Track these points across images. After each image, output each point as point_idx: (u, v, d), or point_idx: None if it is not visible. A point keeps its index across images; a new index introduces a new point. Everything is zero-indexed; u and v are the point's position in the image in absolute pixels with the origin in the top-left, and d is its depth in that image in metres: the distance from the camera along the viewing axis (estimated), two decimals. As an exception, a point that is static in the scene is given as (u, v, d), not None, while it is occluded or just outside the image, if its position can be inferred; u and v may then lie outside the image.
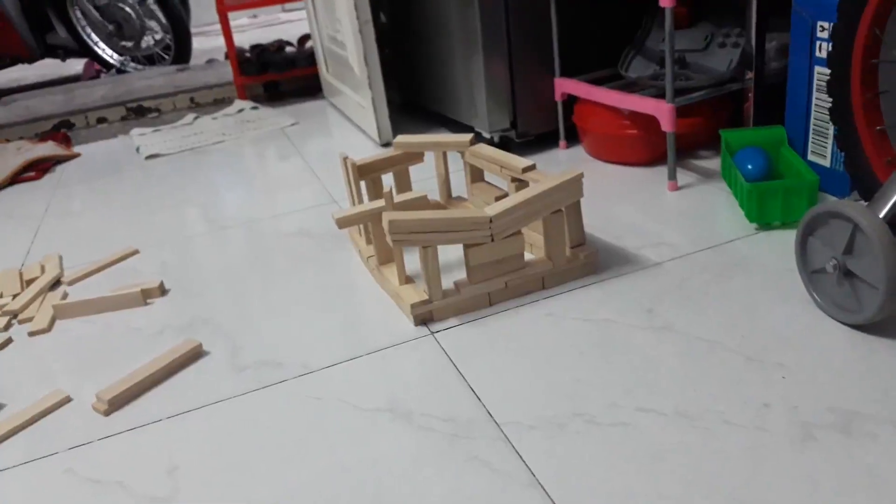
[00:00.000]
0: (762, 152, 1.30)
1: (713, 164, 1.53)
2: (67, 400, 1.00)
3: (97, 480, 0.84)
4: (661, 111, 1.36)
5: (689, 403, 0.83)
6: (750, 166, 1.28)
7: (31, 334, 1.20)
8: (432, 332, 1.04)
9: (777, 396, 0.82)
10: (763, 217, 1.19)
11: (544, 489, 0.73)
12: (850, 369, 0.84)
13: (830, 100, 1.13)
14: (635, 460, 0.75)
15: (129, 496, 0.80)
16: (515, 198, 1.06)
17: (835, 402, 0.80)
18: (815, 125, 1.28)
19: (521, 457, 0.78)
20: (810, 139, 1.30)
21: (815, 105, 1.27)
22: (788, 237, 1.17)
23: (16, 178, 2.17)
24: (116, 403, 0.97)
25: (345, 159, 1.31)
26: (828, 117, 1.25)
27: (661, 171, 1.53)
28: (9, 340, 1.19)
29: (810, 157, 1.31)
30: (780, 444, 0.75)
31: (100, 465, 0.86)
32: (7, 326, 1.23)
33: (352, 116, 2.30)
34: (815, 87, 1.26)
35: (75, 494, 0.82)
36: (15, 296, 1.32)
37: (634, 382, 0.87)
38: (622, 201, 1.40)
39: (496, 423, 0.84)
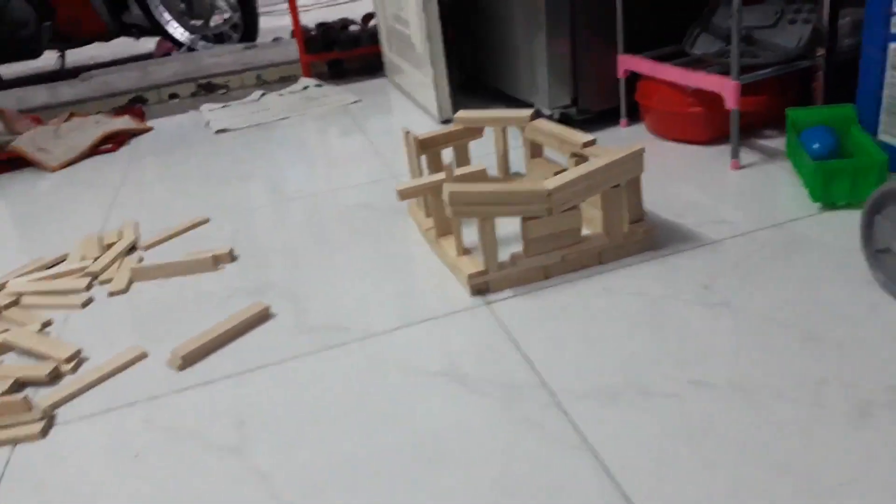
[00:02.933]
0: (830, 131, 1.27)
1: (778, 143, 1.50)
2: (144, 355, 1.07)
3: (172, 429, 0.90)
4: (726, 88, 1.35)
5: (743, 378, 0.83)
6: (816, 145, 1.26)
7: (111, 294, 1.27)
8: (488, 303, 1.07)
9: (834, 373, 0.81)
10: (828, 196, 1.17)
11: (595, 453, 0.75)
12: (912, 349, 0.83)
13: (904, 77, 1.10)
14: (686, 430, 0.76)
15: (202, 445, 0.86)
16: (575, 171, 1.07)
17: (894, 381, 0.79)
18: (888, 103, 1.25)
19: (573, 422, 0.80)
20: (882, 117, 1.27)
21: (890, 83, 1.24)
22: (852, 217, 1.14)
23: (95, 150, 2.28)
24: (190, 359, 1.03)
25: (407, 133, 1.34)
26: (901, 95, 1.21)
27: (724, 150, 1.51)
28: (90, 300, 1.27)
29: (881, 136, 1.28)
30: (836, 420, 0.75)
31: (175, 415, 0.92)
32: (89, 287, 1.31)
33: (413, 94, 2.33)
34: (889, 63, 1.23)
35: (153, 441, 0.88)
36: (96, 259, 1.40)
37: (688, 356, 0.88)
38: (683, 179, 1.40)
39: (550, 389, 0.86)
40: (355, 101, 2.47)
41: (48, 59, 4.17)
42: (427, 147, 1.35)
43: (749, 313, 0.95)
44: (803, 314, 0.93)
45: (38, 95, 3.04)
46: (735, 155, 1.40)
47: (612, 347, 0.92)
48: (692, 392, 0.82)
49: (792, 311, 0.94)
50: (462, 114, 1.38)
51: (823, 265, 1.03)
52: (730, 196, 1.29)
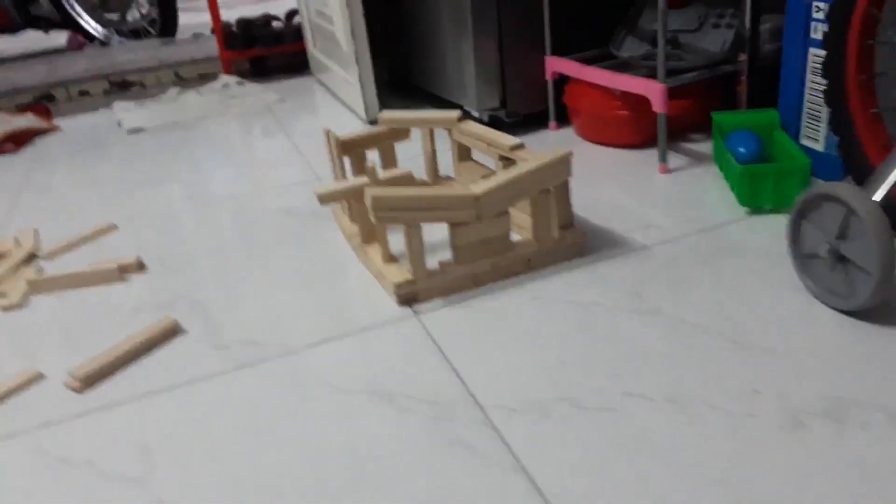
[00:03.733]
0: (754, 135, 1.28)
1: (704, 147, 1.51)
2: (39, 377, 0.97)
3: (68, 459, 0.81)
4: (653, 91, 1.34)
5: (677, 388, 0.81)
6: (742, 149, 1.26)
7: (4, 309, 1.16)
8: (416, 313, 1.02)
9: (767, 383, 0.80)
10: (755, 201, 1.18)
11: (528, 473, 0.71)
12: (841, 356, 0.83)
13: (825, 82, 1.11)
14: (621, 445, 0.74)
15: (100, 476, 0.78)
16: (503, 176, 1.03)
17: (825, 390, 0.78)
18: (808, 108, 1.26)
19: (504, 441, 0.76)
20: (803, 123, 1.28)
21: (810, 88, 1.25)
22: (780, 221, 1.15)
23: (-7, 151, 2.12)
24: (90, 381, 0.94)
25: (328, 133, 1.28)
26: (821, 100, 1.23)
27: (652, 154, 1.50)
28: (-20, 316, 1.16)
29: (803, 140, 1.29)
30: (769, 431, 0.73)
31: (71, 444, 0.84)
32: (-21, 301, 1.20)
33: (339, 93, 2.26)
34: (809, 69, 1.24)
35: (44, 474, 0.79)
36: (-12, 270, 1.29)
37: (621, 367, 0.86)
38: (611, 183, 1.38)
39: (480, 405, 0.82)
40: (279, 100, 2.38)
41: (-54, 53, 3.90)
42: (350, 148, 1.29)
43: (680, 321, 0.93)
44: (734, 321, 0.92)
45: (-68, 91, 2.82)
46: (663, 159, 1.39)
47: (544, 358, 0.89)
48: (626, 404, 0.79)
49: (723, 319, 0.92)
50: (387, 114, 1.33)
51: (752, 270, 1.03)
52: (658, 200, 1.29)
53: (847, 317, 0.90)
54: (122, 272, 1.22)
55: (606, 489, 0.68)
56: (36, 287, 1.21)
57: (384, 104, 2.10)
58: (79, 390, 0.93)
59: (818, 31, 1.20)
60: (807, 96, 1.26)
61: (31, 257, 1.35)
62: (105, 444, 0.83)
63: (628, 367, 0.85)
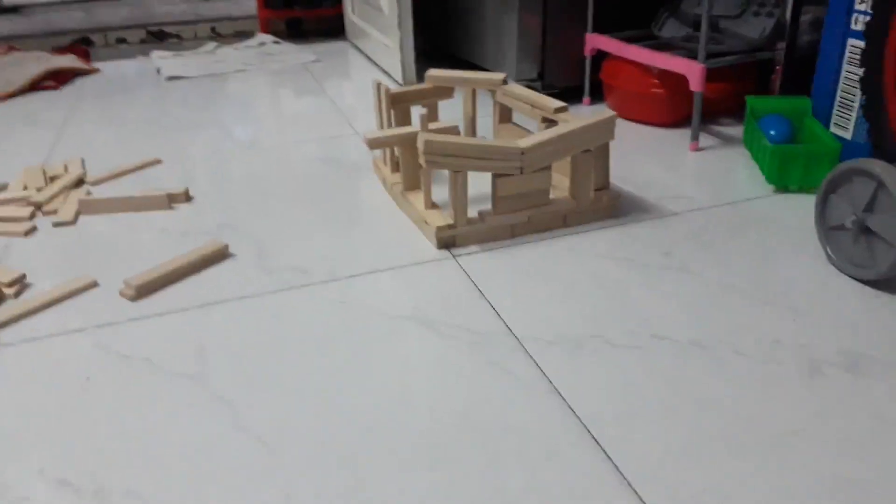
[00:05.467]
0: (786, 120, 1.32)
1: (734, 130, 1.55)
2: (94, 284, 1.03)
3: (127, 355, 0.87)
4: (692, 70, 1.38)
5: (703, 335, 0.86)
6: (773, 132, 1.30)
7: (56, 225, 1.22)
8: (454, 256, 1.07)
9: (788, 335, 0.85)
10: (783, 179, 1.22)
11: (562, 395, 0.76)
12: (859, 318, 0.88)
13: (863, 70, 1.15)
14: (650, 380, 0.79)
15: (159, 371, 0.83)
16: (548, 133, 1.08)
17: (843, 345, 0.83)
18: (841, 97, 1.31)
19: (539, 367, 0.81)
20: (835, 111, 1.32)
21: (845, 77, 1.29)
22: (805, 200, 1.20)
23: (35, 86, 2.17)
24: (144, 290, 0.99)
25: (379, 85, 1.32)
26: (855, 89, 1.27)
27: (683, 133, 1.55)
28: (34, 228, 1.21)
29: (833, 128, 1.34)
30: (790, 376, 0.78)
31: (129, 342, 0.89)
32: (32, 216, 1.25)
33: (375, 58, 2.31)
34: (846, 59, 1.28)
35: (105, 366, 0.85)
36: (39, 189, 1.34)
37: (650, 313, 0.91)
38: (644, 156, 1.43)
39: (516, 336, 0.87)
40: (315, 61, 2.42)
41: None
42: (398, 102, 1.33)
43: (707, 279, 0.98)
44: (759, 282, 0.97)
45: (-27, 26, 2.86)
46: (695, 137, 1.44)
47: (577, 302, 0.94)
48: (655, 345, 0.84)
49: (748, 279, 0.97)
50: (433, 72, 1.37)
51: (777, 241, 1.07)
52: (689, 175, 1.33)
53: (865, 286, 0.95)
54: (171, 200, 1.27)
55: (636, 415, 0.74)
56: (86, 207, 1.26)
57: (419, 70, 2.14)
58: (132, 299, 0.99)
59: (859, 23, 1.24)
60: (841, 85, 1.30)
61: (79, 182, 1.40)
62: (162, 344, 0.88)
63: (657, 314, 0.90)
